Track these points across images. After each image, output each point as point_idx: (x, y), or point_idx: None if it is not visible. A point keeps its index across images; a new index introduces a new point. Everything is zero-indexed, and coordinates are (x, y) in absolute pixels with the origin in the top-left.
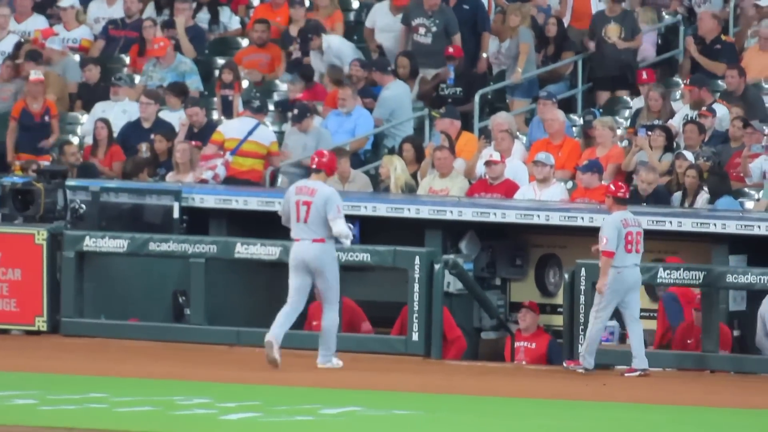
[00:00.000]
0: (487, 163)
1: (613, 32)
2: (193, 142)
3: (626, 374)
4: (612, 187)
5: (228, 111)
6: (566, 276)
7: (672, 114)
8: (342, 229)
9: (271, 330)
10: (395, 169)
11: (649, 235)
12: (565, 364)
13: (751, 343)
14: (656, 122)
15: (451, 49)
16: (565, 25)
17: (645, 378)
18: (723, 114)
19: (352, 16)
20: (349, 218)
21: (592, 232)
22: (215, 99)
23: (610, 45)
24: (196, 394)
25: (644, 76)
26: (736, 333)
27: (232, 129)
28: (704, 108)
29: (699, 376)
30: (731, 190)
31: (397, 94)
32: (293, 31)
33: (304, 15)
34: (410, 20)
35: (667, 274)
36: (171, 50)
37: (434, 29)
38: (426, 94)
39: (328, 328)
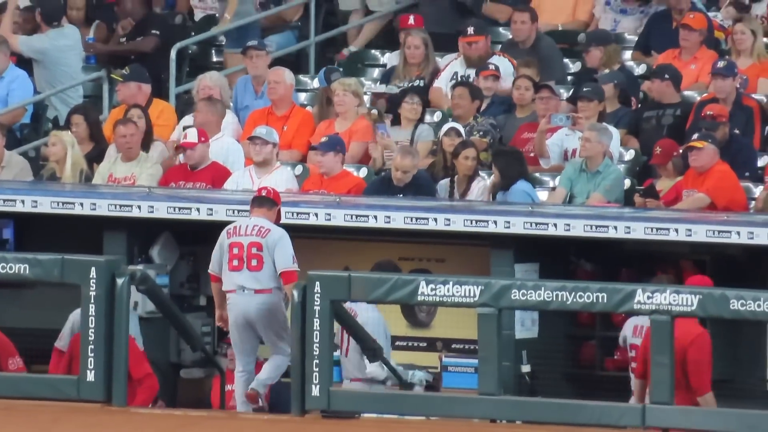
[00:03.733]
0: (178, 149)
1: None
2: None
3: None
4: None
5: None
6: (295, 293)
7: (436, 73)
8: None
9: None
10: (72, 148)
11: (408, 237)
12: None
13: (546, 382)
14: (417, 83)
15: None
16: None
17: None
18: (506, 72)
19: None
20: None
21: (336, 233)
22: None
23: None
24: None
25: (410, 20)
26: (525, 369)
27: None
28: (491, 67)
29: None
30: (527, 173)
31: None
32: None
33: None
34: None
35: (431, 290)
36: None
37: None
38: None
39: None
